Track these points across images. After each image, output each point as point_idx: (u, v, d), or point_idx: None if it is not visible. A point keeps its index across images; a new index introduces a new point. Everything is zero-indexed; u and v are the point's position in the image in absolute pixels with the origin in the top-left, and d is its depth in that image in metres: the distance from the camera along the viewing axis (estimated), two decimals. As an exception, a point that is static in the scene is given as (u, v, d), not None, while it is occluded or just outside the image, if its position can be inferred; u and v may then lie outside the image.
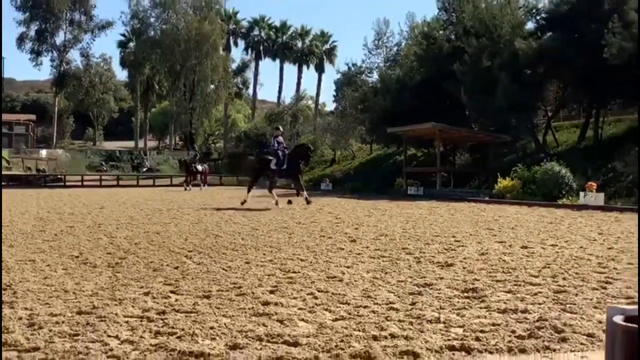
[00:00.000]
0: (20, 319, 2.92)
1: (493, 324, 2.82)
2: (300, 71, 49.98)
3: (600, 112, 17.83)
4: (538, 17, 18.45)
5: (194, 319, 2.92)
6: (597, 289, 3.66)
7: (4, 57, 75.48)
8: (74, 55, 44.89)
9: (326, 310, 3.13)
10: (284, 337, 2.58)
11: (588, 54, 14.93)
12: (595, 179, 13.14)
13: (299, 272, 4.32)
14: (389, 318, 2.95)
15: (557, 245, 5.86)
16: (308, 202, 11.86)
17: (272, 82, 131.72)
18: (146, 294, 3.55)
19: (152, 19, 38.69)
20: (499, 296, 3.47)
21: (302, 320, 2.92)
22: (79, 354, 2.35)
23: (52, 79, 40.44)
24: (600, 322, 2.80)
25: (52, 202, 14.22)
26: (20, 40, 38.74)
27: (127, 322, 2.86)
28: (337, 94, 34.31)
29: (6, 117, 42.04)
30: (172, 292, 3.64)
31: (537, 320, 2.87)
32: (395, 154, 25.93)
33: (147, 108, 48.46)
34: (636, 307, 1.58)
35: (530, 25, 18.62)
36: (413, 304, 3.27)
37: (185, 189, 22.83)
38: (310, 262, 4.81)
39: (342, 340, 2.54)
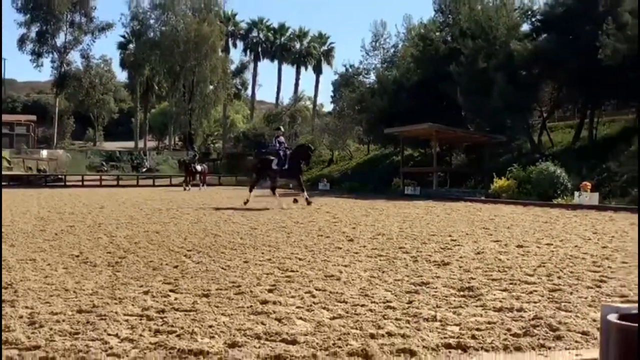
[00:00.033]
0: (21, 317, 2.93)
1: (489, 322, 2.84)
2: (298, 72, 50.41)
3: (594, 113, 17.96)
4: (533, 19, 18.58)
5: (193, 317, 2.93)
6: (591, 288, 3.69)
7: (5, 58, 75.82)
8: (75, 57, 45.27)
9: (324, 308, 3.15)
10: (282, 335, 2.59)
11: (582, 55, 15.04)
12: (589, 179, 13.23)
13: (297, 271, 4.34)
14: (386, 316, 2.96)
15: (552, 245, 5.90)
16: (308, 203, 11.88)
17: (270, 83, 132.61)
18: (146, 292, 3.57)
19: (151, 21, 38.99)
20: (494, 295, 3.50)
21: (300, 318, 2.93)
22: (79, 352, 2.35)
23: (53, 80, 40.75)
24: (594, 320, 2.81)
25: (53, 202, 14.24)
26: (21, 41, 39.04)
27: (126, 320, 2.88)
28: (335, 94, 34.39)
29: (7, 117, 42.27)
30: (171, 290, 3.65)
31: (533, 319, 2.89)
32: (392, 154, 26.00)
33: (146, 109, 48.64)
34: (630, 305, 1.60)
35: (525, 27, 18.77)
36: (410, 302, 3.30)
37: (185, 189, 22.93)
38: (309, 261, 4.83)
39: (339, 339, 2.55)
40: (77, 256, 5.15)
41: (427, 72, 20.65)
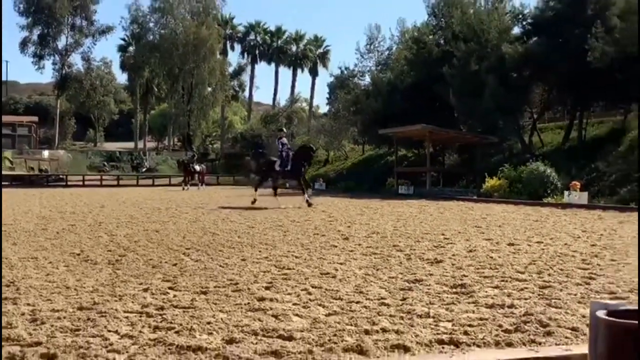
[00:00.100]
0: (23, 314, 2.95)
1: (481, 319, 2.87)
2: (294, 74, 50.64)
3: (583, 114, 18.20)
4: (524, 23, 18.79)
5: (191, 314, 2.96)
6: (581, 285, 3.74)
7: (7, 60, 75.46)
8: (76, 59, 45.38)
9: (320, 305, 3.18)
10: (279, 332, 2.62)
11: (572, 58, 15.24)
12: (579, 179, 13.41)
13: (294, 269, 4.38)
14: (380, 313, 2.99)
15: (542, 243, 5.97)
16: (309, 205, 11.87)
17: (267, 85, 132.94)
18: (145, 290, 3.59)
19: (151, 24, 39.24)
20: (486, 292, 3.54)
21: (297, 315, 2.96)
22: (80, 349, 2.37)
23: (54, 81, 41.12)
24: (584, 316, 2.85)
25: (54, 201, 14.22)
26: (23, 44, 39.30)
27: (126, 317, 2.90)
28: (330, 96, 34.58)
29: (10, 118, 42.46)
30: (170, 288, 3.68)
31: (524, 315, 2.93)
32: (387, 155, 26.12)
33: (146, 110, 48.70)
34: (618, 302, 1.64)
35: (516, 30, 18.97)
36: (404, 299, 3.33)
37: (184, 189, 23.09)
38: (305, 259, 4.87)
39: (335, 335, 2.58)
40: (78, 254, 5.18)
41: (420, 74, 20.79)
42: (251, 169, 24.80)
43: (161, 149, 45.99)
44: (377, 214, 10.20)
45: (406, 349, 2.41)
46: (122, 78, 49.30)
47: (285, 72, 54.75)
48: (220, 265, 4.56)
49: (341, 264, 4.65)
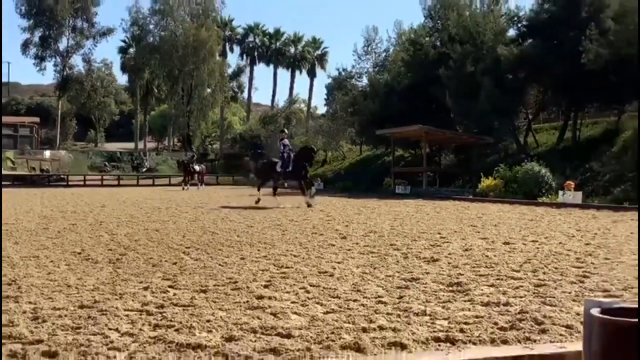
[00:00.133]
0: (25, 312, 2.96)
1: (476, 317, 2.89)
2: (293, 76, 50.85)
3: (578, 115, 18.35)
4: (519, 25, 18.94)
5: (191, 312, 2.98)
6: (575, 283, 3.78)
7: (9, 62, 75.39)
8: (77, 61, 45.48)
9: (318, 303, 3.20)
10: (278, 330, 2.64)
11: (567, 60, 15.36)
12: (573, 178, 13.51)
13: (292, 268, 4.41)
14: (377, 311, 3.02)
15: (537, 241, 6.02)
16: (309, 205, 11.88)
17: (266, 86, 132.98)
18: (145, 288, 3.61)
19: (151, 26, 39.36)
20: (482, 290, 3.57)
21: (295, 313, 2.98)
22: (81, 346, 2.39)
23: (56, 83, 41.33)
24: (578, 314, 2.87)
25: (56, 201, 14.20)
26: (25, 46, 39.42)
27: (127, 315, 2.92)
28: (328, 97, 34.71)
29: (11, 119, 42.52)
30: (170, 286, 3.70)
31: (519, 313, 2.95)
32: (384, 155, 26.20)
33: (146, 111, 48.73)
34: (612, 300, 1.67)
35: (511, 33, 19.12)
36: (400, 297, 3.36)
37: (183, 189, 23.21)
38: (303, 258, 4.90)
39: (333, 332, 2.60)
40: (79, 253, 5.19)
41: (417, 76, 20.89)
42: (250, 169, 24.84)
43: (161, 150, 46.09)
44: (375, 213, 10.24)
45: (403, 347, 2.42)
46: (122, 79, 49.54)
47: (283, 74, 54.85)
48: (220, 264, 4.58)
49: (339, 262, 4.68)
